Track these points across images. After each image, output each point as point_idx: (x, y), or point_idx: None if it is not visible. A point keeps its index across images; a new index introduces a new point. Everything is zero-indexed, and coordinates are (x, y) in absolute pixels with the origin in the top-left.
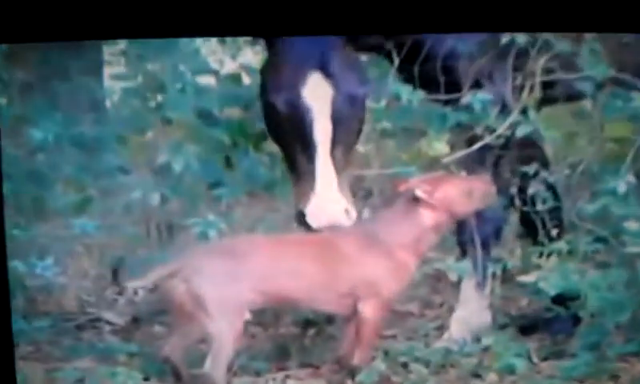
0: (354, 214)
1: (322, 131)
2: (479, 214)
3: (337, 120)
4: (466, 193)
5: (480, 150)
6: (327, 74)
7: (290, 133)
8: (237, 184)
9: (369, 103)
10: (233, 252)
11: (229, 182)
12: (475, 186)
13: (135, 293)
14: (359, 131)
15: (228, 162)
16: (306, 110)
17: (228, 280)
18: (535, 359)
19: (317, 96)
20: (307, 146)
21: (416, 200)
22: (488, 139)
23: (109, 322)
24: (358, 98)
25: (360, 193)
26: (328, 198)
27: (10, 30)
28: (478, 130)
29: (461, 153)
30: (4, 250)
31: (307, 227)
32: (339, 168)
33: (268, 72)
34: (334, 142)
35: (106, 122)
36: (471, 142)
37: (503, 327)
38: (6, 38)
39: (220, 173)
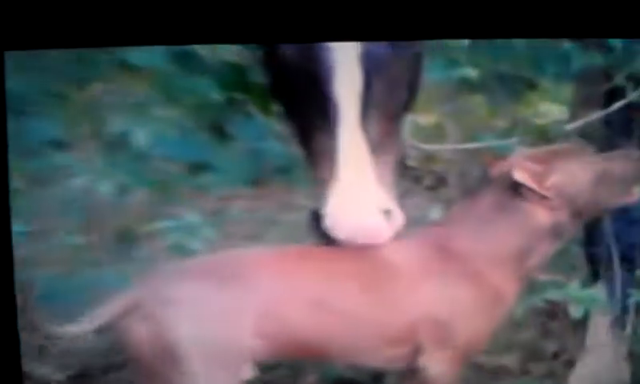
0: (400, 218)
1: (347, 87)
2: (620, 214)
3: (370, 69)
4: (599, 178)
5: (620, 112)
6: None
7: (299, 90)
8: (233, 167)
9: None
10: (225, 274)
11: (221, 164)
12: (615, 168)
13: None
14: (412, 88)
15: (220, 132)
16: (324, 57)
17: (218, 318)
18: None
19: None
20: (326, 111)
21: (517, 189)
22: (632, 96)
23: (40, 380)
24: None
25: (426, 181)
26: (357, 193)
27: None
28: (618, 81)
29: (591, 116)
30: None
31: (325, 238)
32: (376, 145)
33: None
34: (367, 104)
35: (31, 68)
36: (607, 99)
37: None
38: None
39: (207, 149)
